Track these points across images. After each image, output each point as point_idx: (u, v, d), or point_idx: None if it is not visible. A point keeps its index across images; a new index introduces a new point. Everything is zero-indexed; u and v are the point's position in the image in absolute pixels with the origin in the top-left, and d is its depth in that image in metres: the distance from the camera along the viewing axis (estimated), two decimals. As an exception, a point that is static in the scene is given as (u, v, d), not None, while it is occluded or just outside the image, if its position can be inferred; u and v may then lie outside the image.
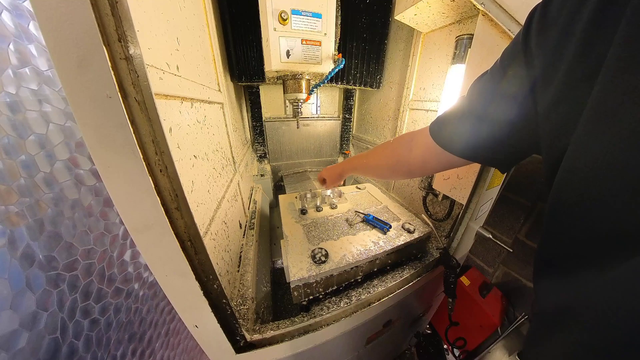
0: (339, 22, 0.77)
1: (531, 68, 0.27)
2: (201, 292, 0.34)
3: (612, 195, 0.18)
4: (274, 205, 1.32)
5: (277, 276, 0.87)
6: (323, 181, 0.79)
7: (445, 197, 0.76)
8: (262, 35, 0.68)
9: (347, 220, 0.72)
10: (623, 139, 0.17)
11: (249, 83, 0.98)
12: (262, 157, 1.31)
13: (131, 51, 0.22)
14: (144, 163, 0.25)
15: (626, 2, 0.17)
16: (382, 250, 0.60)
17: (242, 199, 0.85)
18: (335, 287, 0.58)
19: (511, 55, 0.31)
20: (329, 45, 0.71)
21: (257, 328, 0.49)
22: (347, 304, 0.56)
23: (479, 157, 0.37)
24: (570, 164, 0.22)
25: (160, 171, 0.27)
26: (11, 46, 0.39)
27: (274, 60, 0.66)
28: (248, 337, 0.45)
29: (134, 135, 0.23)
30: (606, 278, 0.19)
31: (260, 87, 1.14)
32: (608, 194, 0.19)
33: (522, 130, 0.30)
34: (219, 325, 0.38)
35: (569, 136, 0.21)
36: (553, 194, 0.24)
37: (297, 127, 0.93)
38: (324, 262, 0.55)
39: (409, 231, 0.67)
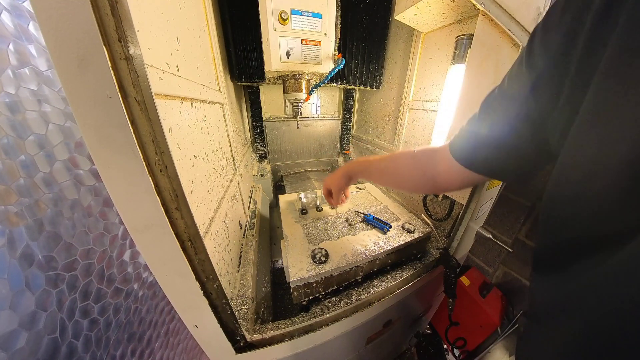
0: (339, 22, 0.77)
1: (536, 83, 0.27)
2: (201, 292, 0.34)
3: (604, 193, 0.19)
4: (274, 205, 1.32)
5: (277, 276, 0.87)
6: (329, 194, 0.67)
7: (445, 197, 0.76)
8: (262, 35, 0.68)
9: (347, 220, 0.72)
10: (614, 138, 0.18)
11: (249, 83, 0.98)
12: (262, 157, 1.31)
13: (131, 51, 0.22)
14: (144, 163, 0.25)
15: (621, 9, 0.18)
16: (382, 250, 0.60)
17: (242, 199, 0.85)
18: (335, 287, 0.58)
19: (516, 73, 0.31)
20: (329, 45, 0.71)
21: (257, 328, 0.49)
22: (347, 304, 0.56)
23: (497, 174, 0.38)
24: (565, 162, 0.22)
25: (160, 171, 0.27)
26: (11, 46, 0.38)
27: (274, 60, 0.66)
28: (248, 337, 0.45)
29: (134, 135, 0.23)
30: (598, 273, 0.20)
31: (260, 87, 1.13)
32: (600, 192, 0.19)
33: (534, 143, 0.31)
34: (219, 325, 0.38)
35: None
36: (548, 191, 0.25)
37: (297, 127, 0.93)
38: (324, 262, 0.55)
39: (409, 231, 0.67)
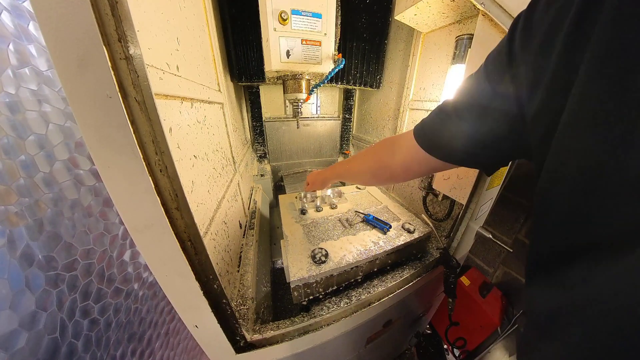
0: (339, 22, 0.77)
1: (516, 75, 0.27)
2: (201, 292, 0.34)
3: (591, 199, 0.19)
4: (274, 205, 1.32)
5: (277, 276, 0.87)
6: (307, 184, 0.79)
7: (445, 197, 0.76)
8: (262, 35, 0.68)
9: (347, 220, 0.72)
10: (598, 143, 0.18)
11: (249, 83, 0.98)
12: (262, 157, 1.31)
13: (131, 51, 0.22)
14: (144, 163, 0.25)
15: (600, 10, 0.17)
16: (382, 250, 0.60)
17: (242, 199, 0.85)
18: (335, 287, 0.58)
19: (495, 62, 0.30)
20: (329, 45, 0.71)
21: (257, 328, 0.49)
22: (347, 304, 0.56)
23: (465, 161, 0.37)
24: (551, 168, 0.22)
25: (160, 171, 0.27)
26: (11, 46, 0.38)
27: (274, 60, 0.66)
28: (248, 337, 0.45)
29: (134, 135, 0.23)
30: (600, 281, 0.19)
31: (260, 87, 1.13)
32: (587, 197, 0.19)
33: (507, 135, 0.30)
34: (219, 325, 0.38)
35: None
36: (537, 197, 0.24)
37: (297, 127, 0.93)
38: (324, 262, 0.55)
39: (409, 231, 0.67)
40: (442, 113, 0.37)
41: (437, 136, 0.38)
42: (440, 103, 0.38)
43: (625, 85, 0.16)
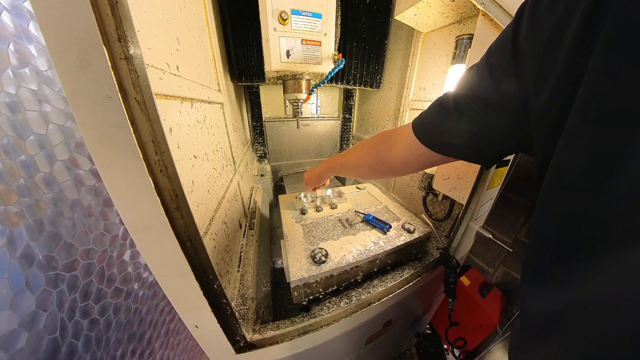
0: (339, 22, 0.77)
1: (521, 67, 0.26)
2: (201, 292, 0.34)
3: (594, 198, 0.18)
4: (274, 205, 1.32)
5: (277, 276, 0.87)
6: (306, 184, 0.79)
7: (445, 197, 0.76)
8: (262, 35, 0.68)
9: (347, 220, 0.72)
10: (603, 141, 0.17)
11: (249, 83, 0.98)
12: (262, 157, 1.31)
13: (131, 51, 0.22)
14: (144, 163, 0.25)
15: (610, 5, 0.17)
16: (382, 250, 0.60)
17: (242, 199, 0.85)
18: (335, 287, 0.58)
19: (498, 54, 0.29)
20: (329, 45, 0.71)
21: (257, 328, 0.49)
22: (347, 304, 0.56)
23: (465, 156, 0.37)
24: (558, 164, 0.21)
25: (160, 171, 0.27)
26: (11, 46, 0.38)
27: (274, 60, 0.66)
28: (248, 337, 0.45)
29: (134, 135, 0.23)
30: (596, 281, 0.18)
31: (260, 87, 1.13)
32: (591, 196, 0.18)
33: (510, 130, 0.29)
34: (219, 325, 0.38)
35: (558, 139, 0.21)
36: (541, 197, 0.23)
37: (297, 127, 0.93)
38: (324, 262, 0.55)
39: (409, 231, 0.67)
40: (442, 108, 0.36)
41: (437, 132, 0.37)
42: (440, 96, 0.37)
43: (630, 84, 0.16)
